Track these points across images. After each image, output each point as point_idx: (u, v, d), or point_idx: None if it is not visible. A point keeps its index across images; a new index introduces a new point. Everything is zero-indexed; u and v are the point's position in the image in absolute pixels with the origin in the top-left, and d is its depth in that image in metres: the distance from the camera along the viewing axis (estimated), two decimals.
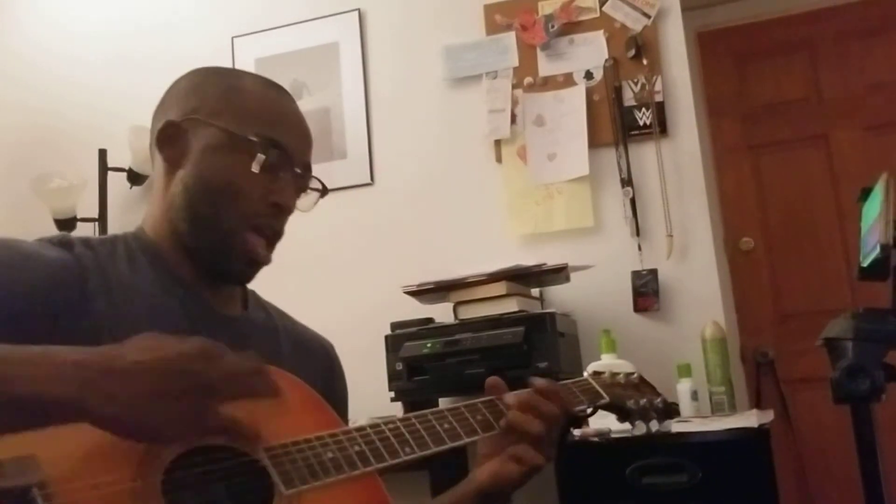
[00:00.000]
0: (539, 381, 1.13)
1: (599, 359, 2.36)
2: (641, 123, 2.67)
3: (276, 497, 0.85)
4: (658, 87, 2.68)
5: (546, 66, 2.79)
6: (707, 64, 3.30)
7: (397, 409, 2.47)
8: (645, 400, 1.24)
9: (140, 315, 0.99)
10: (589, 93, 2.73)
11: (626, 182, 2.66)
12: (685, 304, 2.59)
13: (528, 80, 2.79)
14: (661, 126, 2.66)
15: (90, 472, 0.77)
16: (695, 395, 2.33)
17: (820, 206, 3.16)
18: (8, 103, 3.34)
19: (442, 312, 2.53)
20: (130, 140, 2.93)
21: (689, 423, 2.15)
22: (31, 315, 0.90)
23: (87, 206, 3.03)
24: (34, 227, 2.94)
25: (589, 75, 2.75)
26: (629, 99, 2.69)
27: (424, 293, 2.50)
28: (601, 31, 2.74)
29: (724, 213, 3.19)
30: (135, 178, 3.06)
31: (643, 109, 2.68)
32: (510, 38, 2.83)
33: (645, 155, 2.67)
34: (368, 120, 2.95)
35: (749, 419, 2.12)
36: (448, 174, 2.86)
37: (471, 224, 2.80)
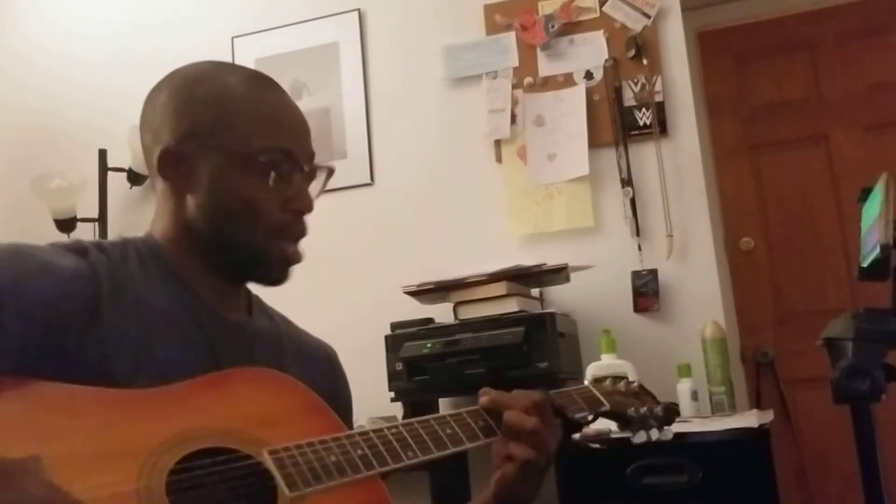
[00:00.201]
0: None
1: (599, 359, 2.36)
2: (641, 123, 2.67)
3: (279, 499, 0.85)
4: (658, 87, 2.68)
5: (546, 66, 2.79)
6: (707, 64, 3.30)
7: (397, 409, 2.47)
8: (645, 408, 1.24)
9: (150, 321, 0.99)
10: (589, 93, 2.73)
11: (626, 182, 2.66)
12: (685, 304, 2.59)
13: (528, 80, 2.79)
14: (661, 126, 2.66)
15: (95, 472, 0.77)
16: (695, 396, 2.33)
17: (820, 206, 3.16)
18: (8, 103, 3.34)
19: (442, 312, 2.53)
20: (130, 140, 2.92)
21: (689, 423, 2.15)
22: (46, 324, 0.90)
23: (87, 206, 3.03)
24: (34, 227, 2.96)
25: (589, 75, 2.75)
26: (629, 99, 2.69)
27: (424, 293, 2.50)
28: (601, 31, 2.74)
29: (724, 213, 3.19)
30: (135, 178, 3.06)
31: (643, 109, 2.68)
32: (510, 38, 2.83)
33: (645, 155, 2.67)
34: (368, 120, 2.95)
35: (749, 419, 2.12)
36: (448, 174, 2.86)
37: (471, 224, 2.80)
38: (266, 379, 1.00)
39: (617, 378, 1.32)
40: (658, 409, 1.26)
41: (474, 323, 2.36)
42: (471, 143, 2.83)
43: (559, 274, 2.45)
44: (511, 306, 2.37)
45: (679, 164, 2.65)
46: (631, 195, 2.64)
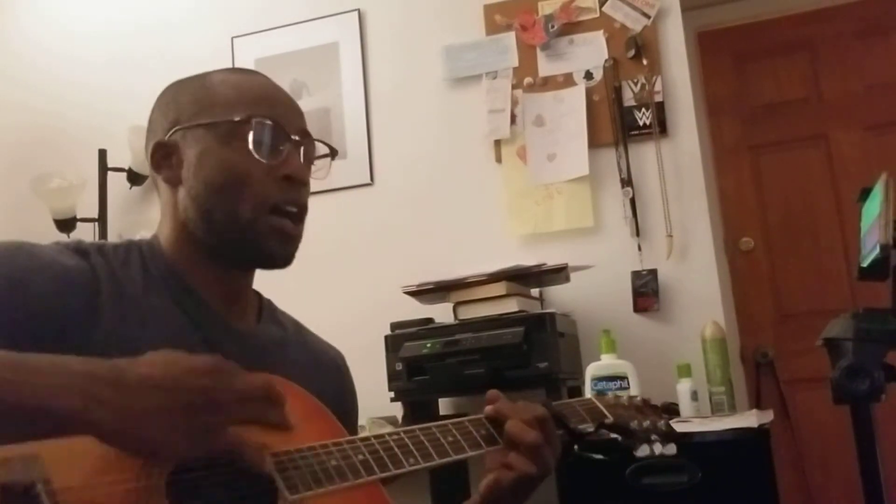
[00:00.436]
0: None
1: (599, 359, 2.36)
2: (641, 123, 2.67)
3: (279, 502, 0.85)
4: (658, 87, 2.68)
5: (546, 67, 2.79)
6: (707, 64, 3.30)
7: (397, 409, 2.47)
8: (648, 422, 1.24)
9: (150, 327, 0.98)
10: (589, 93, 2.73)
11: (626, 182, 2.66)
12: (685, 305, 2.59)
13: (527, 80, 2.79)
14: (660, 126, 2.66)
15: (95, 471, 0.77)
16: (695, 396, 2.33)
17: (820, 206, 3.16)
18: (8, 103, 3.34)
19: (442, 312, 2.53)
20: (130, 140, 2.93)
21: (689, 423, 2.15)
22: (44, 320, 0.90)
23: (87, 207, 3.03)
24: (34, 227, 2.96)
25: (589, 75, 2.75)
26: (629, 99, 2.70)
27: (424, 293, 2.50)
28: (601, 32, 2.74)
29: (724, 213, 3.19)
30: (134, 178, 3.06)
31: (643, 109, 2.68)
32: (510, 38, 2.83)
33: (645, 155, 2.67)
34: (368, 120, 2.95)
35: (749, 419, 2.12)
36: (448, 174, 2.86)
37: (471, 224, 2.80)
38: None
39: (620, 393, 1.32)
40: (661, 424, 1.25)
41: (474, 323, 2.36)
42: (471, 144, 2.83)
43: (559, 274, 2.45)
44: (511, 306, 2.37)
45: (679, 164, 2.65)
46: (631, 195, 2.64)
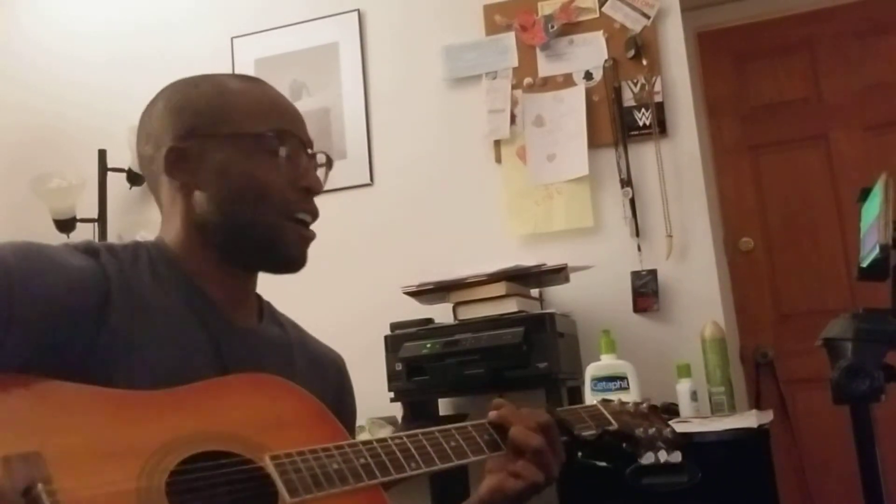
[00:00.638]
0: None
1: (599, 359, 2.36)
2: (641, 124, 2.67)
3: None
4: (658, 87, 2.68)
5: (545, 67, 2.79)
6: (707, 64, 3.30)
7: (397, 410, 2.47)
8: (654, 429, 1.24)
9: (159, 325, 0.99)
10: (588, 93, 2.73)
11: (626, 182, 2.66)
12: (685, 305, 2.59)
13: (527, 80, 2.79)
14: (660, 126, 2.66)
15: (95, 471, 0.77)
16: (694, 396, 2.33)
17: (820, 206, 3.16)
18: (8, 103, 3.34)
19: (442, 313, 2.53)
20: (130, 140, 2.92)
21: (689, 423, 2.15)
22: (57, 319, 0.90)
23: (87, 207, 3.03)
24: (34, 228, 2.96)
25: (588, 76, 2.75)
26: (629, 99, 2.69)
27: (424, 293, 2.50)
28: (601, 32, 2.74)
29: (724, 214, 3.19)
30: (134, 178, 3.06)
31: (643, 110, 2.68)
32: (510, 38, 2.83)
33: (644, 155, 2.67)
34: (368, 120, 2.95)
35: (749, 419, 2.12)
36: (448, 174, 2.86)
37: (471, 224, 2.80)
38: (270, 385, 1.00)
39: (625, 400, 1.31)
40: (667, 432, 1.25)
41: (474, 323, 2.36)
42: (470, 144, 2.83)
43: (559, 274, 2.45)
44: (510, 306, 2.37)
45: (678, 164, 2.65)
46: (630, 195, 2.64)
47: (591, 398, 2.26)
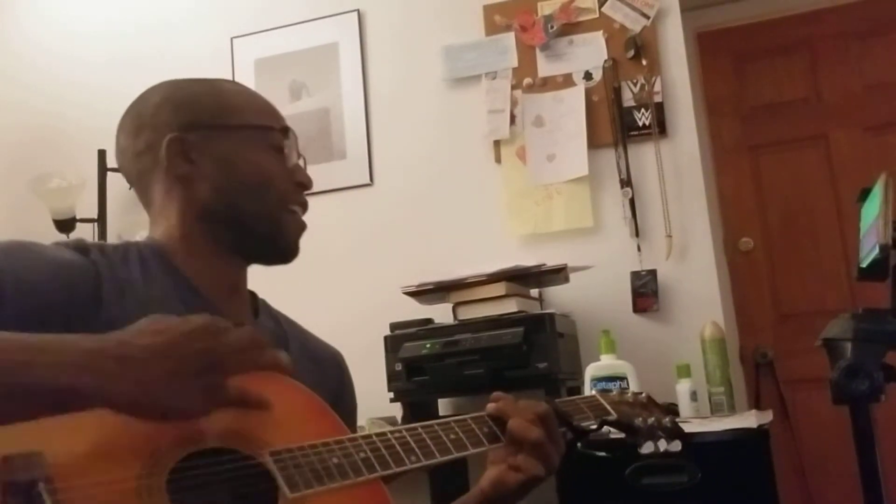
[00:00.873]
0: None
1: (599, 359, 2.36)
2: (641, 124, 2.67)
3: (280, 500, 0.85)
4: (657, 87, 2.68)
5: (545, 67, 2.79)
6: (706, 64, 3.30)
7: (396, 410, 2.47)
8: (653, 419, 1.24)
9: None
10: (588, 93, 2.73)
11: (626, 182, 2.66)
12: (684, 305, 2.59)
13: (527, 80, 2.79)
14: (660, 126, 2.66)
15: (96, 469, 0.77)
16: (694, 396, 2.33)
17: (819, 206, 3.16)
18: (8, 103, 3.34)
19: (441, 313, 2.53)
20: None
21: (689, 423, 2.15)
22: (50, 314, 0.91)
23: (87, 207, 3.03)
24: (33, 228, 2.96)
25: (588, 76, 2.75)
26: (628, 99, 2.70)
27: (424, 293, 2.50)
28: (600, 32, 2.74)
29: (724, 214, 3.19)
30: None
31: (642, 110, 2.68)
32: (510, 38, 2.83)
33: (644, 155, 2.67)
34: (368, 120, 2.95)
35: (748, 419, 2.12)
36: (447, 174, 2.86)
37: (470, 224, 2.80)
38: (269, 381, 1.00)
39: (624, 390, 1.31)
40: (666, 421, 1.25)
41: (474, 323, 2.36)
42: (470, 144, 2.83)
43: (558, 274, 2.45)
44: (510, 307, 2.37)
45: (678, 164, 2.65)
46: (630, 195, 2.64)
47: None
